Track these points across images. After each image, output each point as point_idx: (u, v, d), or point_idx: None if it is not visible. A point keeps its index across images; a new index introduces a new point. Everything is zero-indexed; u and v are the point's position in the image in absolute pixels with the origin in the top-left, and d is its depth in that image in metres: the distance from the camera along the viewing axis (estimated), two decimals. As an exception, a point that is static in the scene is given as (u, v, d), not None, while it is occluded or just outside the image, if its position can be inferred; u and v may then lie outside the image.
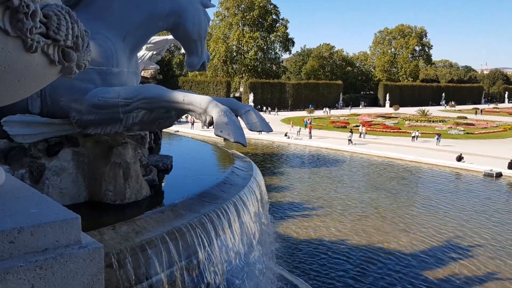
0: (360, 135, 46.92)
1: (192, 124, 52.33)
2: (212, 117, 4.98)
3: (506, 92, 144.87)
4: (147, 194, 5.95)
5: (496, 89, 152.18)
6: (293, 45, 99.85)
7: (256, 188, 6.79)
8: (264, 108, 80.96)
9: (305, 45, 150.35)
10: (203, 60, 6.66)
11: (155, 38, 9.80)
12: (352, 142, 42.69)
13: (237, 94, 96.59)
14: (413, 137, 45.26)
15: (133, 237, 4.34)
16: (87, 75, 5.20)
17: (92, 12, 5.67)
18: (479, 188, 27.73)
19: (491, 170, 30.66)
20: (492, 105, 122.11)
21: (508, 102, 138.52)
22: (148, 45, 9.76)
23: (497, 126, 60.13)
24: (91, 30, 2.61)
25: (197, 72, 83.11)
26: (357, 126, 57.46)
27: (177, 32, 6.42)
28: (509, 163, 31.25)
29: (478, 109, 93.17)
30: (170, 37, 9.48)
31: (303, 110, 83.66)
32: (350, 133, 44.20)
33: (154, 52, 10.24)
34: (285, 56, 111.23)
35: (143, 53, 9.95)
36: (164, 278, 4.34)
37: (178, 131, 44.01)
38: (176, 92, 5.28)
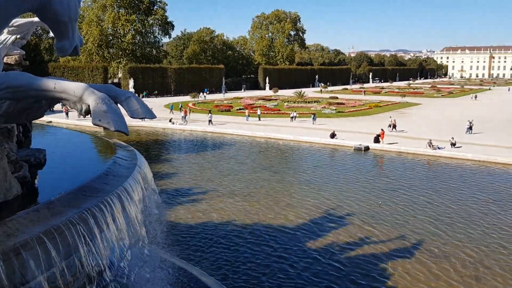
0: (258, 118, 48.61)
1: (67, 113, 48.65)
2: (89, 105, 4.68)
3: (371, 73, 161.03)
4: (18, 193, 5.43)
5: (362, 70, 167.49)
6: (172, 29, 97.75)
7: (142, 178, 6.60)
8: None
9: (185, 29, 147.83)
10: (75, 44, 6.16)
11: (18, 21, 8.82)
12: (212, 123, 44.36)
13: (115, 80, 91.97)
14: (292, 117, 47.78)
15: (5, 240, 3.95)
16: None
17: None
18: (350, 161, 30.45)
19: (360, 145, 33.82)
20: (358, 85, 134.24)
21: (373, 82, 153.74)
22: (11, 28, 8.76)
23: (363, 105, 66.23)
24: None
25: (69, 57, 77.19)
26: (240, 109, 58.84)
27: (44, 14, 5.83)
28: (375, 137, 34.78)
29: (363, 89, 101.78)
30: (36, 19, 8.62)
31: (187, 95, 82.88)
32: (209, 114, 45.89)
33: (18, 36, 9.23)
34: (165, 40, 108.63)
35: (5, 37, 8.92)
36: (43, 281, 4.04)
37: (51, 121, 40.64)
38: (46, 79, 4.85)
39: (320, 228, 17.27)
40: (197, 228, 17.09)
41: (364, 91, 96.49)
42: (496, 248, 15.49)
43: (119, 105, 5.07)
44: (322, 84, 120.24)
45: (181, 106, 55.10)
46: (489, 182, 24.65)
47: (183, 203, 20.27)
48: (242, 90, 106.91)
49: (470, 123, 39.71)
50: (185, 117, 46.32)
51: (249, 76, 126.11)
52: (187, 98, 78.33)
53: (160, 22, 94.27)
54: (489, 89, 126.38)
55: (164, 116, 49.19)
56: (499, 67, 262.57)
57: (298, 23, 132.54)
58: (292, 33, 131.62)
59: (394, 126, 39.98)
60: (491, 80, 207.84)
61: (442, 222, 17.98)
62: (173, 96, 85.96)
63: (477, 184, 24.17)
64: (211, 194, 21.72)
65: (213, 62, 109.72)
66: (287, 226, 17.51)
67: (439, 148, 31.79)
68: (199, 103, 68.82)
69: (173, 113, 51.48)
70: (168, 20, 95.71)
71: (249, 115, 49.16)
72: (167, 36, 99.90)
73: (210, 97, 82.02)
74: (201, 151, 34.25)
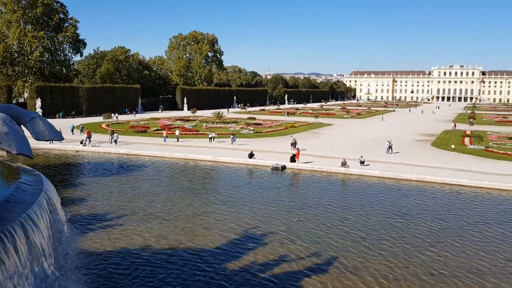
0: (177, 139, 47.80)
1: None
2: (-13, 128, 4.35)
3: (286, 94, 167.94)
4: None
5: (278, 92, 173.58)
6: (84, 47, 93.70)
7: (48, 204, 6.19)
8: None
9: (98, 48, 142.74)
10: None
11: None
12: (116, 143, 43.92)
13: (21, 100, 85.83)
14: (210, 138, 47.81)
15: None
16: None
17: None
18: (268, 180, 31.05)
19: (277, 164, 34.69)
20: (275, 107, 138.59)
21: (288, 103, 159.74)
22: None
23: (280, 125, 68.24)
24: None
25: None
26: (158, 130, 57.65)
27: None
28: (291, 157, 35.90)
29: (286, 110, 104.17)
30: None
31: (100, 115, 79.51)
32: (115, 134, 45.62)
33: None
34: (77, 58, 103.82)
35: None
36: None
37: None
38: None
39: (240, 248, 17.31)
40: (112, 255, 16.28)
41: (288, 112, 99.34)
42: (402, 259, 16.60)
43: (23, 126, 4.78)
44: (241, 105, 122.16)
45: (82, 128, 53.44)
46: (394, 197, 26.48)
47: (98, 229, 19.23)
48: (160, 111, 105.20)
49: (389, 142, 42.14)
50: (89, 139, 44.00)
51: (166, 96, 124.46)
52: (100, 118, 75.20)
53: (71, 39, 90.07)
54: (393, 110, 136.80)
55: (75, 138, 46.69)
56: (401, 90, 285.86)
57: (216, 45, 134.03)
58: (210, 54, 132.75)
59: (294, 145, 41.63)
60: (395, 102, 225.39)
61: (354, 237, 18.92)
62: (86, 116, 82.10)
63: (384, 199, 25.84)
64: (128, 219, 20.89)
65: (128, 82, 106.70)
66: (206, 248, 17.33)
67: (347, 166, 33.55)
68: (112, 124, 66.35)
69: (73, 134, 51.58)
70: (79, 37, 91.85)
71: (167, 136, 48.34)
72: (79, 54, 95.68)
73: (124, 117, 79.40)
74: (117, 173, 32.89)
